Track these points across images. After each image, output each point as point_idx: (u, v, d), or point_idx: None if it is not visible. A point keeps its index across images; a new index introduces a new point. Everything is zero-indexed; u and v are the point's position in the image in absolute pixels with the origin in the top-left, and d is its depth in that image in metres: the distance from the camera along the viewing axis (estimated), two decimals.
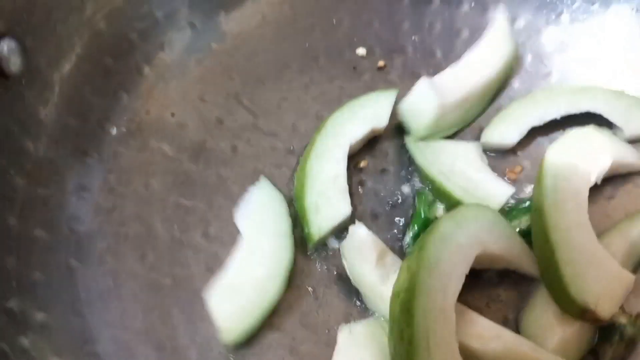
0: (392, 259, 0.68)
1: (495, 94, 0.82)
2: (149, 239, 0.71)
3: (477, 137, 0.79)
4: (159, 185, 0.73)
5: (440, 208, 0.73)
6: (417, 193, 0.75)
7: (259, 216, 0.72)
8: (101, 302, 0.67)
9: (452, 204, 0.72)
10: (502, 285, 0.70)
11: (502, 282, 0.71)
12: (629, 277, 0.65)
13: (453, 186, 0.72)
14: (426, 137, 0.77)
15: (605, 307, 0.62)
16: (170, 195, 0.74)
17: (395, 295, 0.61)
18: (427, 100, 0.75)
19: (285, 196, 0.75)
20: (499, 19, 0.82)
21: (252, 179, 0.76)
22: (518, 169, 0.78)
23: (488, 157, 0.78)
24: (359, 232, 0.66)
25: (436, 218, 0.72)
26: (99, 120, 0.73)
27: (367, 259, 0.66)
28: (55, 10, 0.68)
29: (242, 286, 0.67)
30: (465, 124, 0.80)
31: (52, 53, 0.70)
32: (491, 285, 0.70)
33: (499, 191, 0.73)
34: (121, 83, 0.76)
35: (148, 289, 0.68)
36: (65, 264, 0.67)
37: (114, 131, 0.74)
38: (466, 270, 0.62)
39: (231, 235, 0.73)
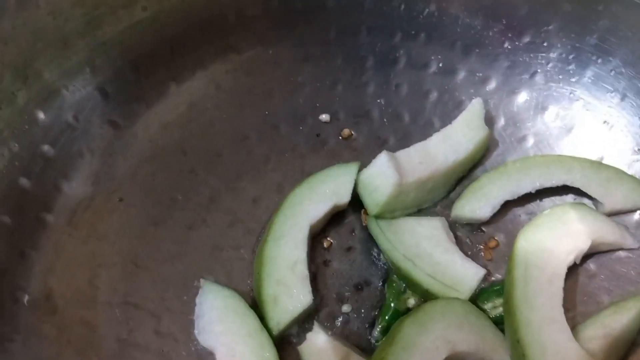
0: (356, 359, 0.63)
1: (463, 174, 0.77)
2: (93, 343, 0.65)
3: (444, 209, 0.75)
4: (103, 281, 0.68)
5: (411, 298, 0.68)
6: (387, 281, 0.70)
7: (221, 326, 0.66)
8: None
9: (420, 292, 0.68)
10: None
11: None
12: None
13: (419, 274, 0.67)
14: (382, 214, 0.72)
15: None
16: (116, 291, 0.68)
17: None
18: (384, 176, 0.70)
19: (245, 284, 0.70)
20: (474, 103, 0.77)
21: (209, 265, 0.72)
22: (493, 243, 0.73)
23: (460, 229, 0.74)
24: (318, 338, 0.62)
25: (407, 309, 0.67)
26: (37, 215, 0.68)
27: None
28: None
29: None
30: (427, 205, 0.75)
31: None
32: None
33: (469, 275, 0.68)
34: (62, 171, 0.71)
35: None
36: None
37: (54, 223, 0.68)
38: None
39: (184, 328, 0.68)
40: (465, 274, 0.67)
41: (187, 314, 0.69)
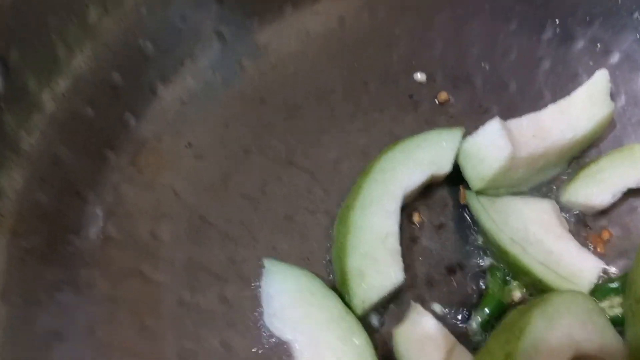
0: (460, 351, 0.55)
1: (577, 154, 0.68)
2: (150, 302, 0.57)
3: (550, 195, 0.66)
4: (167, 235, 0.59)
5: (517, 290, 0.59)
6: (490, 269, 0.61)
7: (297, 312, 0.56)
8: None
9: (529, 282, 0.59)
10: None
11: None
12: None
13: (531, 262, 0.58)
14: (485, 191, 0.63)
15: None
16: (180, 247, 0.59)
17: None
18: (495, 146, 0.61)
19: (319, 252, 0.62)
20: (599, 75, 0.67)
21: (282, 228, 0.63)
22: (605, 236, 0.64)
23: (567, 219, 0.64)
24: (426, 322, 0.53)
25: (513, 302, 0.58)
26: (99, 150, 0.58)
27: (431, 356, 0.52)
28: (50, 15, 0.53)
29: None
30: (535, 184, 0.66)
31: (42, 67, 0.55)
32: None
33: (587, 267, 0.59)
34: (129, 104, 0.61)
35: None
36: (47, 332, 0.53)
37: (116, 164, 0.59)
38: None
39: (252, 298, 0.59)
40: (583, 265, 0.59)
41: (256, 282, 0.60)
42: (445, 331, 0.53)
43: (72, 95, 0.56)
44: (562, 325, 0.50)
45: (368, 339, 0.54)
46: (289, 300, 0.57)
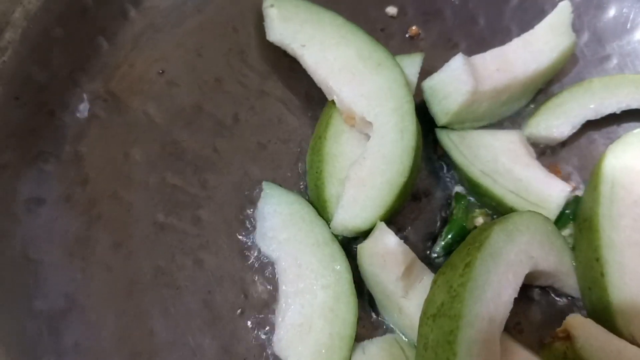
0: (419, 268, 0.57)
1: (541, 87, 0.70)
2: (125, 221, 0.58)
3: (516, 127, 0.68)
4: (141, 157, 0.60)
5: (480, 217, 0.62)
6: (455, 196, 0.64)
7: (285, 234, 0.59)
8: (65, 301, 0.54)
9: (502, 210, 0.61)
10: (535, 303, 0.60)
11: (536, 299, 0.60)
12: None
13: (502, 191, 0.60)
14: (450, 125, 0.65)
15: None
16: (154, 170, 0.60)
17: (429, 317, 0.50)
18: (458, 82, 0.63)
19: (291, 179, 0.64)
20: (561, 7, 0.69)
21: (254, 154, 0.64)
22: (562, 167, 0.67)
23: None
24: (386, 238, 0.55)
25: (475, 227, 0.61)
26: (71, 73, 0.58)
27: (391, 270, 0.54)
28: None
29: (309, 326, 0.56)
30: (500, 117, 0.68)
31: None
32: (526, 303, 0.60)
33: (555, 192, 0.61)
34: (101, 28, 0.60)
35: (122, 284, 0.55)
36: (22, 254, 0.54)
37: (88, 88, 0.59)
38: (515, 294, 0.52)
39: (226, 221, 0.61)
40: (551, 190, 0.61)
41: (231, 205, 0.62)
42: (406, 248, 0.55)
43: (42, 14, 0.56)
44: (521, 241, 0.53)
45: (348, 266, 0.57)
46: (280, 222, 0.60)
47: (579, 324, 0.52)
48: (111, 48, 0.61)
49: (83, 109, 0.59)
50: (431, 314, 0.50)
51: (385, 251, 0.55)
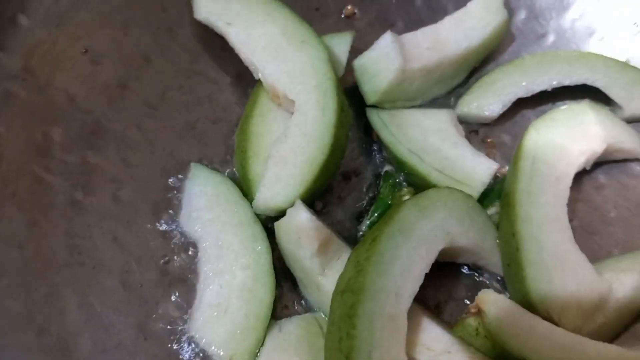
0: (336, 245, 0.57)
1: (475, 65, 0.69)
2: (41, 200, 0.57)
3: (450, 106, 0.68)
4: (60, 136, 0.59)
5: (407, 195, 0.62)
6: (384, 174, 0.63)
7: (210, 214, 0.59)
8: None
9: (427, 188, 0.61)
10: (461, 281, 0.60)
11: (463, 276, 0.60)
12: (604, 285, 0.54)
13: (427, 168, 0.60)
14: (381, 104, 0.64)
15: (570, 319, 0.52)
16: (74, 149, 0.60)
17: (337, 293, 0.50)
18: (387, 60, 0.62)
19: (218, 160, 0.63)
20: None
21: (182, 134, 0.64)
22: (495, 144, 0.66)
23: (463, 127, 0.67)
24: (300, 215, 0.54)
25: None
26: None
27: (306, 247, 0.54)
28: None
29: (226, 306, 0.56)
30: (434, 96, 0.68)
31: None
32: (450, 279, 0.60)
33: (481, 169, 0.61)
34: (21, 3, 0.60)
35: (35, 262, 0.55)
36: None
37: (6, 66, 0.58)
38: (427, 269, 0.51)
39: (147, 201, 0.61)
40: (477, 168, 0.61)
41: (154, 186, 0.61)
42: (319, 224, 0.54)
43: None
44: (436, 217, 0.53)
45: (269, 247, 0.57)
46: (206, 203, 0.60)
47: (490, 300, 0.52)
48: (32, 25, 0.60)
49: (2, 86, 0.58)
50: (340, 289, 0.50)
51: (299, 228, 0.54)
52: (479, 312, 0.52)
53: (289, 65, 0.60)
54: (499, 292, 0.57)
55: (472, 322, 0.52)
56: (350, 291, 0.48)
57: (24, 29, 0.59)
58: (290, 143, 0.58)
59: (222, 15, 0.64)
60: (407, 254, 0.50)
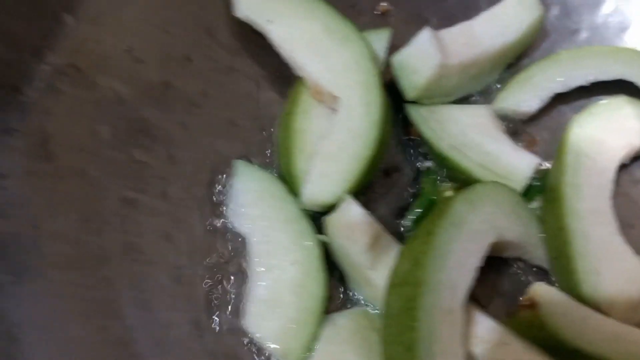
0: (386, 240, 0.58)
1: (510, 61, 0.70)
2: (94, 200, 0.57)
3: (483, 102, 0.69)
4: (108, 134, 0.59)
5: (449, 190, 0.63)
6: (425, 171, 0.64)
7: (257, 210, 0.60)
8: (30, 271, 0.53)
9: (469, 184, 0.61)
10: (505, 274, 0.61)
11: (505, 270, 0.61)
12: None
13: (470, 164, 0.61)
14: (420, 100, 0.65)
15: (621, 311, 0.54)
16: (122, 146, 0.60)
17: (393, 286, 0.51)
18: (425, 56, 0.62)
19: (260, 156, 0.65)
20: None
21: (224, 131, 0.64)
22: (534, 141, 0.67)
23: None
24: (351, 210, 0.55)
25: None
26: (34, 50, 0.57)
27: (357, 241, 0.55)
28: None
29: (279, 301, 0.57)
30: (469, 92, 0.69)
31: None
32: (495, 274, 0.61)
33: (523, 164, 0.62)
34: (66, 3, 0.60)
35: (89, 260, 0.55)
36: None
37: (53, 64, 0.58)
38: (479, 262, 0.52)
39: (195, 198, 0.61)
40: (519, 163, 0.62)
41: (201, 182, 0.62)
42: (371, 219, 0.55)
43: None
44: (484, 211, 0.54)
45: (318, 242, 0.58)
46: (251, 199, 0.60)
47: (543, 292, 0.53)
48: (76, 24, 0.60)
49: (49, 86, 0.58)
50: (395, 283, 0.51)
51: (351, 223, 0.55)
52: (533, 305, 0.53)
53: (333, 62, 0.61)
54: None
55: (525, 314, 0.53)
56: (408, 284, 0.49)
57: (69, 29, 0.60)
58: (336, 139, 0.59)
59: (263, 12, 0.64)
60: (461, 248, 0.51)
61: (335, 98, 0.61)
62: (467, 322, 0.51)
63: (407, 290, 0.48)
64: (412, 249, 0.51)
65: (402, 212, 0.64)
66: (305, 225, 0.58)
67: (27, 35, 0.57)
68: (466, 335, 0.51)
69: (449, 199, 0.54)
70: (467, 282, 0.50)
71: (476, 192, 0.54)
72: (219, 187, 0.62)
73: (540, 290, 0.53)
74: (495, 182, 0.57)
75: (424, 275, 0.48)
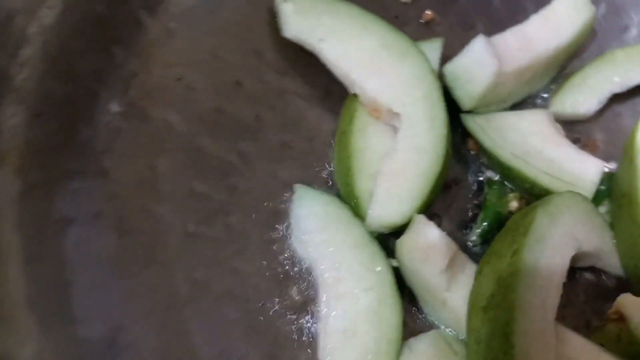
0: (460, 259, 0.56)
1: (563, 63, 0.68)
2: (157, 234, 0.56)
3: (537, 106, 0.67)
4: (166, 167, 0.58)
5: (514, 201, 0.61)
6: (487, 182, 0.62)
7: (322, 236, 0.57)
8: (102, 322, 0.52)
9: (536, 192, 0.60)
10: (578, 285, 0.59)
11: (577, 279, 0.60)
12: None
13: (535, 172, 0.59)
14: (476, 109, 0.64)
15: None
16: (180, 179, 0.59)
17: (479, 310, 0.49)
18: (481, 64, 0.61)
19: (319, 178, 0.63)
20: None
21: (280, 155, 0.63)
22: (595, 144, 0.66)
23: None
24: (427, 231, 0.53)
25: (510, 213, 0.60)
26: (90, 85, 0.56)
27: (434, 264, 0.53)
28: None
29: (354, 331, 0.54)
30: (524, 97, 0.67)
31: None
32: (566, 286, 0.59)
33: (590, 169, 0.61)
34: (116, 36, 0.59)
35: (160, 299, 0.54)
36: (57, 277, 0.52)
37: (108, 99, 0.57)
38: (564, 278, 0.50)
39: (257, 225, 0.60)
40: (585, 168, 0.60)
41: (261, 210, 0.60)
42: (448, 239, 0.54)
43: (58, 27, 0.54)
44: (564, 223, 0.52)
45: (389, 267, 0.56)
46: (316, 224, 0.58)
47: (631, 304, 0.51)
48: (126, 56, 0.59)
49: (105, 122, 0.57)
50: (481, 306, 0.49)
51: (427, 244, 0.53)
52: (621, 318, 0.51)
53: (392, 78, 0.60)
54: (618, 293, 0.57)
55: (612, 328, 0.52)
56: (500, 308, 0.47)
57: (120, 62, 0.58)
58: (400, 157, 0.58)
59: (314, 31, 0.63)
60: (546, 264, 0.49)
61: (394, 114, 0.60)
62: (558, 341, 0.50)
63: (498, 314, 0.47)
64: (496, 269, 0.50)
65: (465, 225, 0.62)
66: (375, 249, 0.57)
67: (82, 72, 0.56)
68: (558, 354, 0.49)
69: (527, 213, 0.53)
70: (555, 300, 0.49)
71: (555, 203, 0.53)
72: (281, 214, 0.61)
73: (628, 302, 0.52)
74: (570, 192, 0.55)
75: (517, 298, 0.46)
